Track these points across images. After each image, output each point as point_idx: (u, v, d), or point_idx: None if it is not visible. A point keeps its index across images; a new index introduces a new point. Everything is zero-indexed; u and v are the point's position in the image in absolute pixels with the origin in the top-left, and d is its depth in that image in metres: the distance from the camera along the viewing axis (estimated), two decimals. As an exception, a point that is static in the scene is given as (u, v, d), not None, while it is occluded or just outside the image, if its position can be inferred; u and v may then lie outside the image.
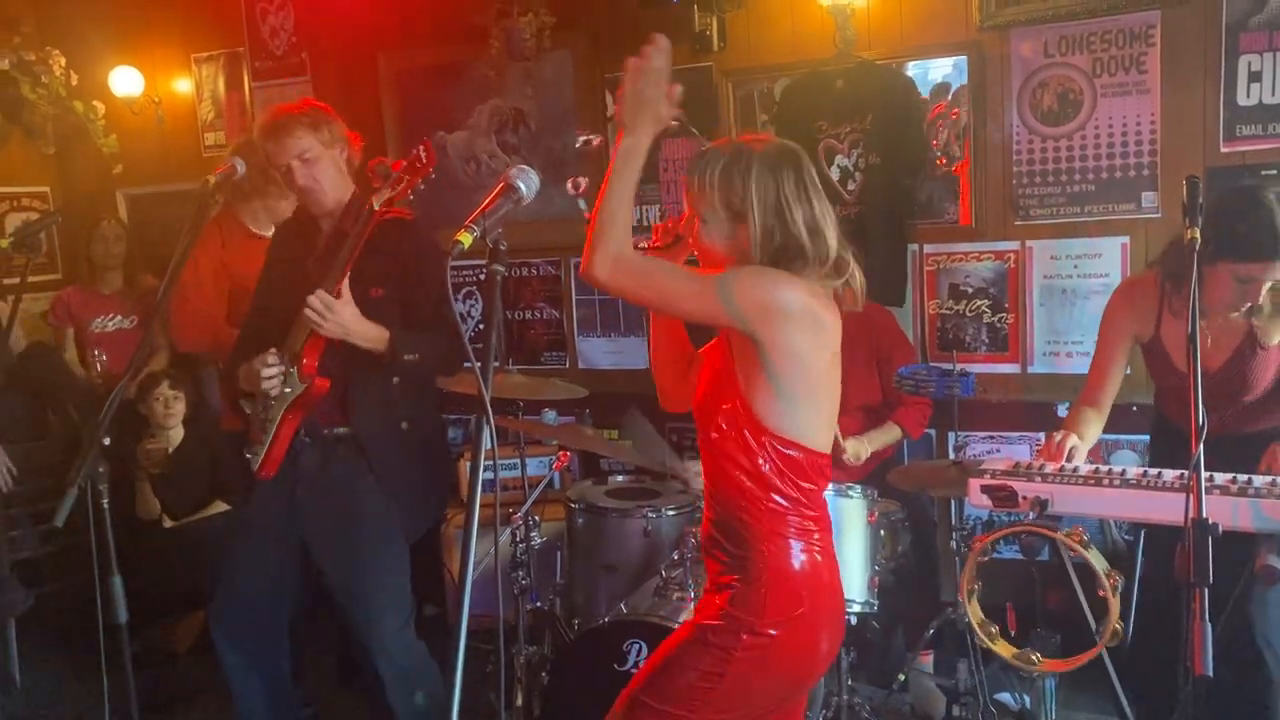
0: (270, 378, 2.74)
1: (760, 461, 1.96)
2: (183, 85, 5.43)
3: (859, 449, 3.55)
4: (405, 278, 2.86)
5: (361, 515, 2.85)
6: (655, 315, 2.20)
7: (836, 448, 3.48)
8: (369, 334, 2.70)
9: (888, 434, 3.68)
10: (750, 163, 1.98)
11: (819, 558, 2.01)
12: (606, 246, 1.89)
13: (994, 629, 2.50)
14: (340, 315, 2.64)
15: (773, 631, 1.95)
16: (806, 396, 1.97)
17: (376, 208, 2.64)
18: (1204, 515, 1.76)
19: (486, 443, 1.57)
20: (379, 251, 2.78)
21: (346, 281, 2.65)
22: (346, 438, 2.86)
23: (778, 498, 1.97)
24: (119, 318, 4.74)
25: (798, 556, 1.98)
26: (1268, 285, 2.54)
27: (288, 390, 2.76)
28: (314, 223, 2.94)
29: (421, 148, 2.61)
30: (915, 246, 4.18)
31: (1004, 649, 2.50)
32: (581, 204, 2.30)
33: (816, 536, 2.02)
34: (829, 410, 2.05)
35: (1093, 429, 2.78)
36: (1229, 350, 2.67)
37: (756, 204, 1.96)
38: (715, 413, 2.01)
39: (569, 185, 2.89)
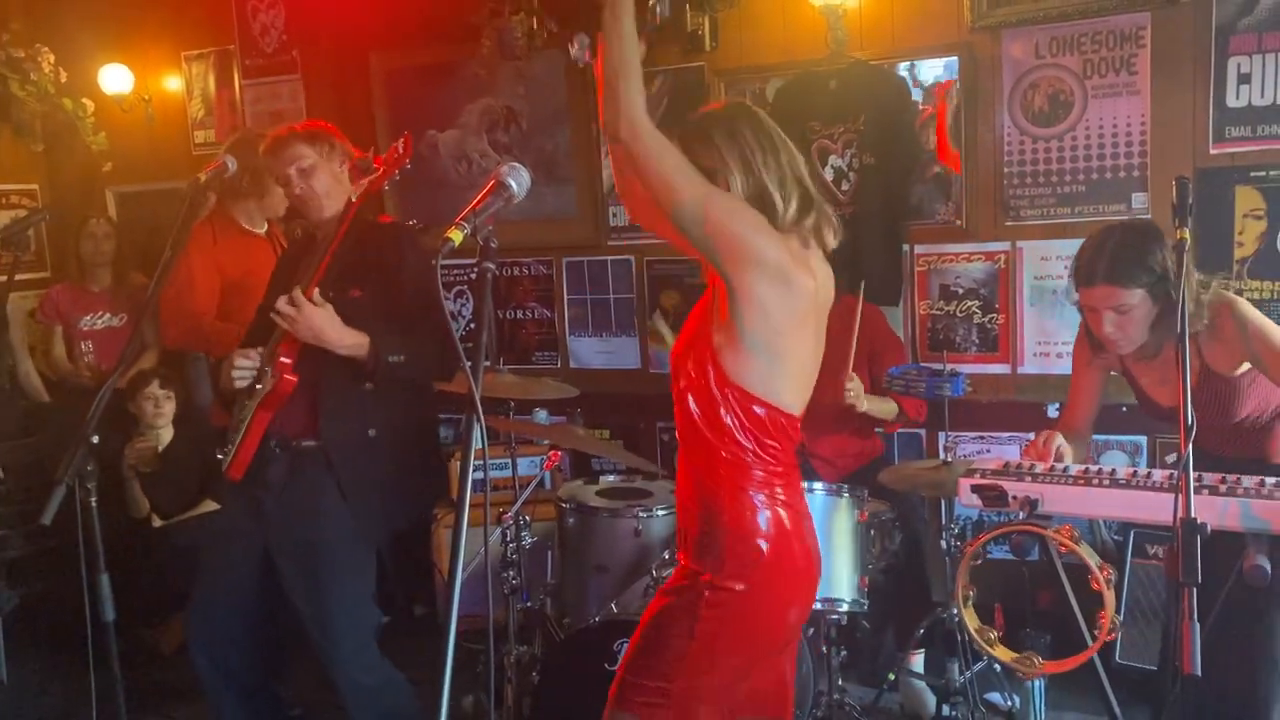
0: (241, 372, 2.74)
1: (722, 413, 1.97)
2: (173, 83, 5.41)
3: (859, 396, 3.56)
4: (386, 279, 2.83)
5: (323, 537, 2.80)
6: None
7: (842, 388, 3.48)
8: (345, 339, 2.68)
9: (885, 404, 3.66)
10: (707, 124, 2.02)
11: (783, 512, 2.01)
12: (619, 105, 1.90)
13: (992, 634, 2.50)
14: (310, 317, 2.62)
15: (738, 586, 1.96)
16: (773, 352, 1.98)
17: (354, 199, 2.65)
18: (1192, 515, 1.77)
19: (477, 442, 1.56)
20: (362, 254, 2.77)
21: (317, 289, 2.64)
22: (314, 450, 2.82)
23: (738, 451, 1.98)
24: (108, 315, 4.73)
25: (759, 511, 1.99)
26: (1108, 315, 2.50)
27: (259, 387, 2.75)
28: (314, 237, 2.96)
29: (401, 140, 2.65)
30: (906, 247, 4.18)
31: (1003, 654, 2.50)
32: (573, 50, 2.23)
33: (780, 492, 2.02)
34: (798, 373, 2.05)
35: (1072, 454, 2.77)
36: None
37: (724, 157, 1.98)
38: (686, 361, 2.03)
39: (569, 46, 2.69)
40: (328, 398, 2.80)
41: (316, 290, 2.65)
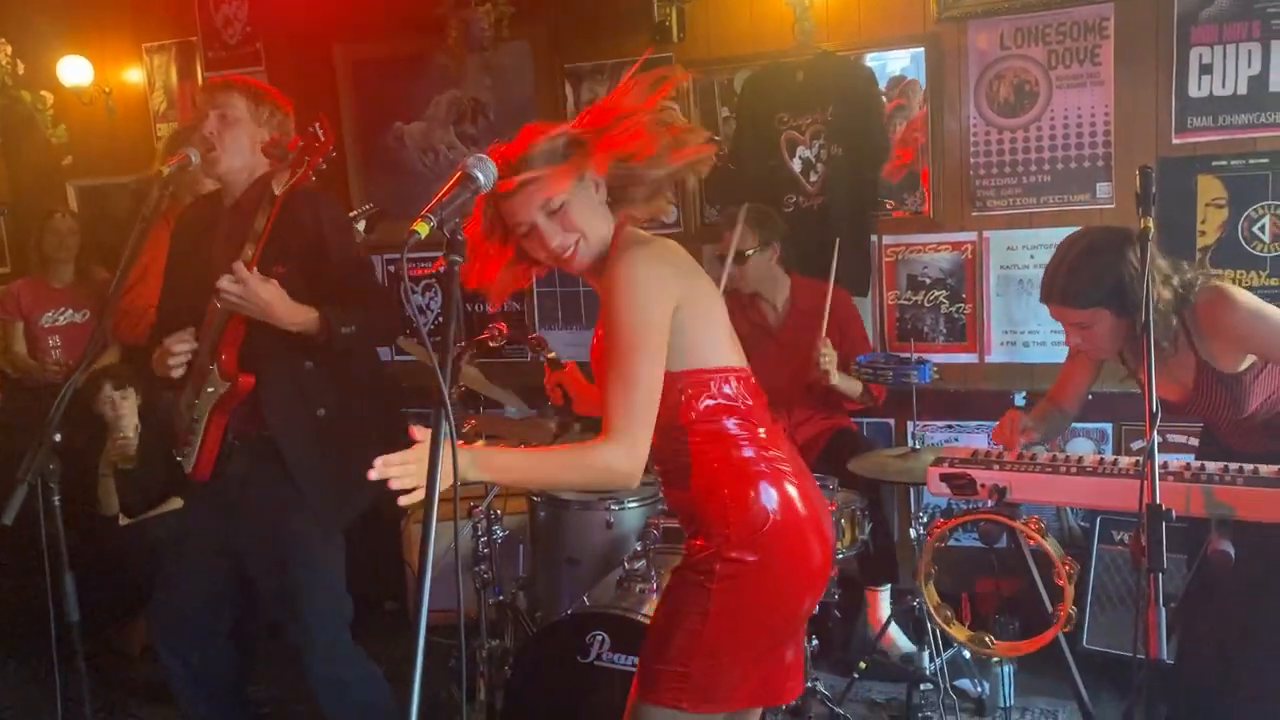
0: (178, 358, 2.63)
1: (683, 399, 1.96)
2: (134, 75, 5.33)
3: (832, 363, 3.58)
4: (309, 251, 2.70)
5: (289, 529, 2.74)
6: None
7: (814, 366, 3.53)
8: (295, 315, 2.57)
9: (851, 382, 3.69)
10: (551, 133, 1.94)
11: (787, 482, 1.99)
12: (610, 484, 2.08)
13: (949, 612, 2.53)
14: (259, 291, 2.50)
15: (749, 557, 1.94)
16: (698, 327, 1.96)
17: (278, 193, 2.53)
18: (1157, 501, 1.79)
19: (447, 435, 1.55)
20: (279, 225, 2.62)
21: (255, 264, 2.52)
22: (269, 439, 2.73)
23: (718, 427, 1.97)
24: (70, 311, 4.66)
25: (760, 480, 1.97)
26: (1071, 330, 2.50)
27: (210, 390, 2.66)
28: (215, 204, 2.82)
29: (318, 125, 2.51)
30: (875, 237, 4.20)
31: (959, 632, 2.53)
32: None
33: (774, 454, 2.00)
34: (721, 323, 2.03)
35: (1053, 423, 2.78)
36: (1188, 379, 2.52)
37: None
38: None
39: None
40: (268, 384, 2.70)
41: (256, 265, 2.53)
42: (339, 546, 2.86)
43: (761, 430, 2.01)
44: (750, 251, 3.68)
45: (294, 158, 2.52)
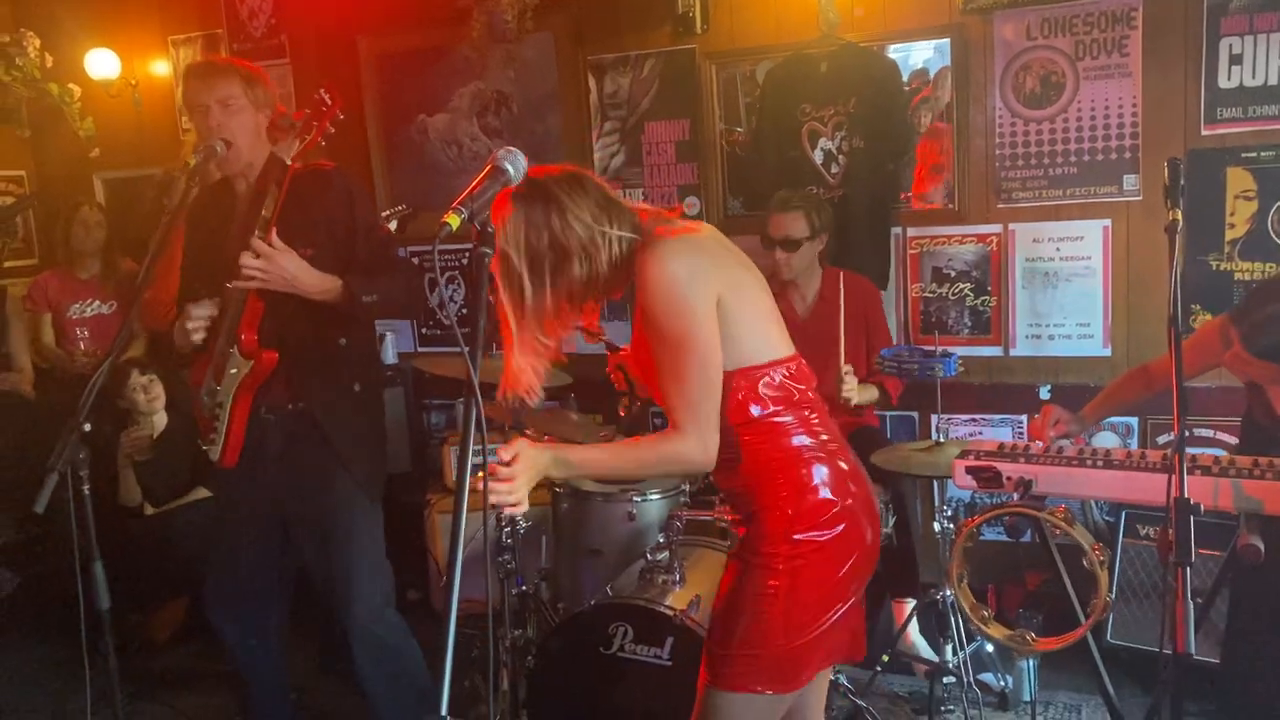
0: (197, 323, 2.65)
1: (739, 398, 1.95)
2: (160, 68, 5.37)
3: (854, 390, 3.56)
4: (335, 230, 2.74)
5: (331, 495, 2.80)
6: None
7: (835, 387, 3.49)
8: (319, 283, 2.60)
9: (868, 392, 3.68)
10: (543, 206, 1.91)
11: (839, 459, 2.01)
12: (688, 469, 2.05)
13: (986, 613, 2.51)
14: (283, 262, 2.52)
15: (813, 537, 1.95)
16: (745, 317, 1.96)
17: (289, 161, 2.53)
18: (1185, 495, 1.78)
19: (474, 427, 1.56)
20: (303, 208, 2.64)
21: (274, 233, 2.54)
22: (304, 413, 2.78)
23: (772, 418, 1.97)
24: (97, 303, 4.70)
25: (813, 464, 1.98)
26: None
27: (233, 371, 2.68)
28: (228, 191, 2.83)
29: (323, 90, 2.51)
30: (899, 230, 4.18)
31: (997, 631, 2.51)
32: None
33: (824, 436, 2.01)
34: (768, 312, 2.03)
35: (1131, 389, 2.73)
36: None
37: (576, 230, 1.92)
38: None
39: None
40: (304, 358, 2.74)
41: (275, 235, 2.54)
42: (377, 512, 2.92)
43: (813, 416, 2.02)
44: (803, 238, 3.66)
45: (301, 125, 2.53)
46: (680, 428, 1.90)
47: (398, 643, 2.92)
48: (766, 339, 2.01)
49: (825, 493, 1.97)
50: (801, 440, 1.99)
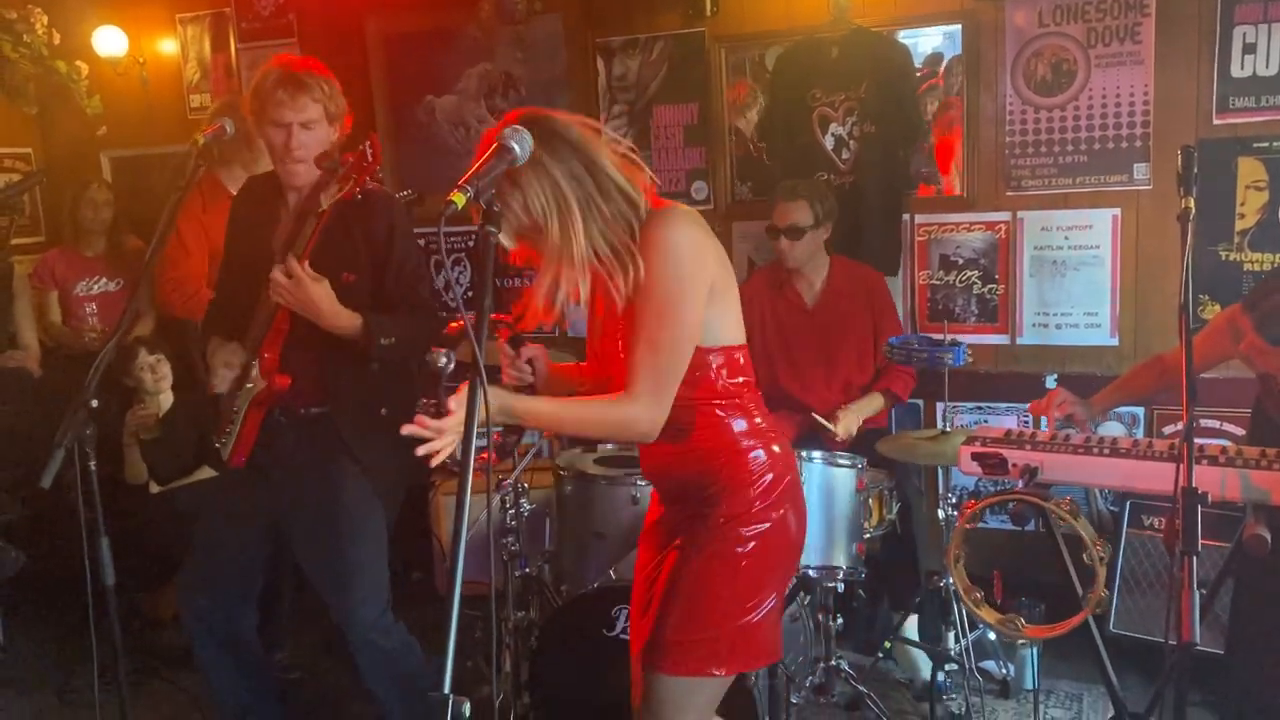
0: (221, 378, 2.71)
1: (696, 372, 1.98)
2: (167, 46, 5.35)
3: (849, 425, 3.57)
4: (377, 259, 2.73)
5: (340, 502, 2.77)
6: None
7: (827, 431, 3.52)
8: (340, 320, 2.60)
9: (872, 404, 3.70)
10: (529, 169, 1.86)
11: (774, 444, 2.07)
12: (628, 437, 2.07)
13: (979, 594, 2.51)
14: (308, 291, 2.53)
15: (772, 514, 2.02)
16: (729, 300, 2.00)
17: (324, 207, 2.53)
18: (1193, 484, 1.77)
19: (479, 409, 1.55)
20: (348, 232, 2.65)
21: (308, 262, 2.55)
22: (323, 418, 2.77)
23: (719, 400, 2.01)
24: (104, 280, 4.70)
25: (756, 447, 2.04)
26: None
27: (249, 385, 2.70)
28: (280, 193, 2.79)
29: (368, 144, 2.49)
30: (907, 216, 4.17)
31: (989, 614, 2.51)
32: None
33: (759, 420, 2.07)
34: (735, 302, 2.05)
35: (1144, 380, 2.75)
36: None
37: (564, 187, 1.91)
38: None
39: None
40: (334, 373, 2.74)
41: (308, 263, 2.55)
42: (383, 522, 2.90)
43: (753, 403, 2.09)
44: (807, 227, 3.65)
45: (343, 173, 2.52)
46: (635, 395, 1.91)
47: (399, 646, 2.89)
48: (739, 322, 2.06)
49: (777, 474, 2.04)
50: (755, 422, 2.06)
